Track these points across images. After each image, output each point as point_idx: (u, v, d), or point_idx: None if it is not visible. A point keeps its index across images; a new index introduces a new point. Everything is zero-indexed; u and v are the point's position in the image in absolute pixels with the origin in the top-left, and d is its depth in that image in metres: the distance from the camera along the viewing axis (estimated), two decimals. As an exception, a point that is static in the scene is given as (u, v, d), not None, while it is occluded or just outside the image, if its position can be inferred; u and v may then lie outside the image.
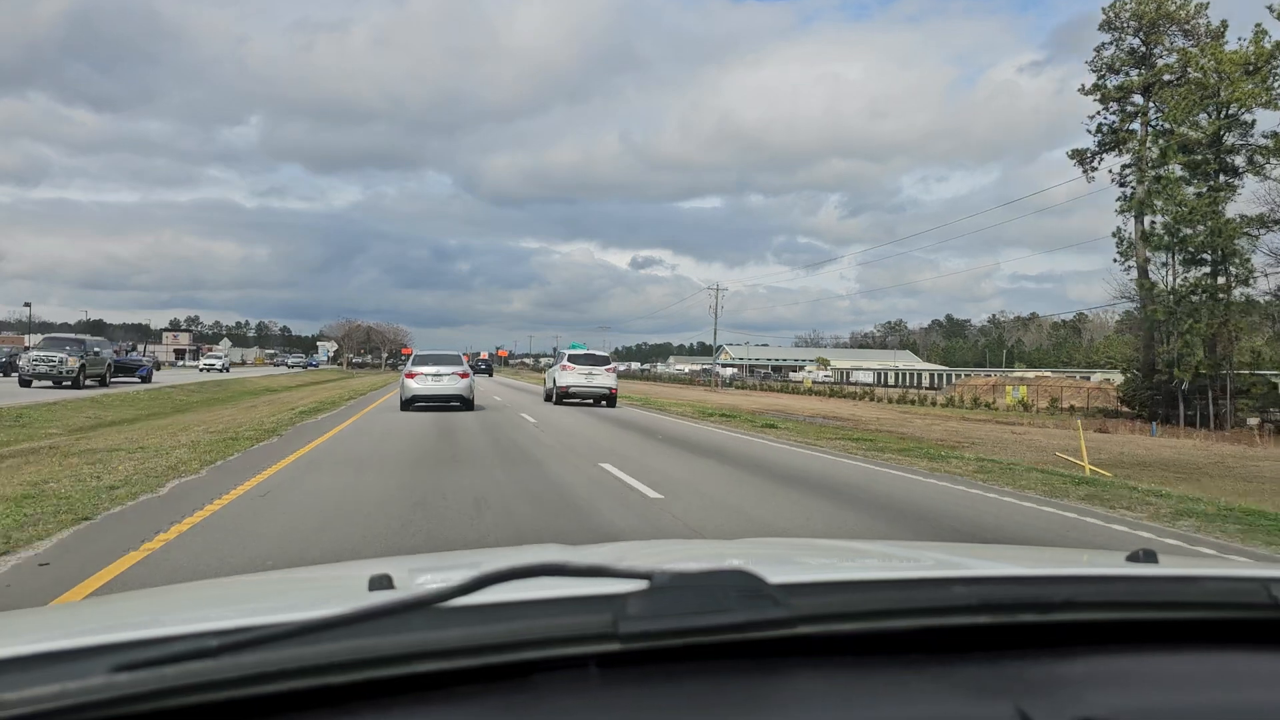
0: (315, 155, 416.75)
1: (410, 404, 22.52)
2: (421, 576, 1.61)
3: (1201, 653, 1.10)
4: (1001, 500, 10.09)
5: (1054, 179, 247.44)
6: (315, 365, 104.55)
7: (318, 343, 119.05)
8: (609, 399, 28.13)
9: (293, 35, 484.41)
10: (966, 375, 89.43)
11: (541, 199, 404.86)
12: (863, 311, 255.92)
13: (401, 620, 0.86)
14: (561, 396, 28.14)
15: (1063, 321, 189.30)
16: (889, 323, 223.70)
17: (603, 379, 28.01)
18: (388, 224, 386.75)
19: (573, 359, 29.25)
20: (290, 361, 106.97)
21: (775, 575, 0.96)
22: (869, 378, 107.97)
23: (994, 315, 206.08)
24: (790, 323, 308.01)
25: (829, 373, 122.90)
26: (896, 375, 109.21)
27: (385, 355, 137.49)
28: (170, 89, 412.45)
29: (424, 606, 0.87)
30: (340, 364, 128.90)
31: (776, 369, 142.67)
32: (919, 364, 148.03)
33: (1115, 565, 1.36)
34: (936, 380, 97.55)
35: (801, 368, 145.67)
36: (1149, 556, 1.33)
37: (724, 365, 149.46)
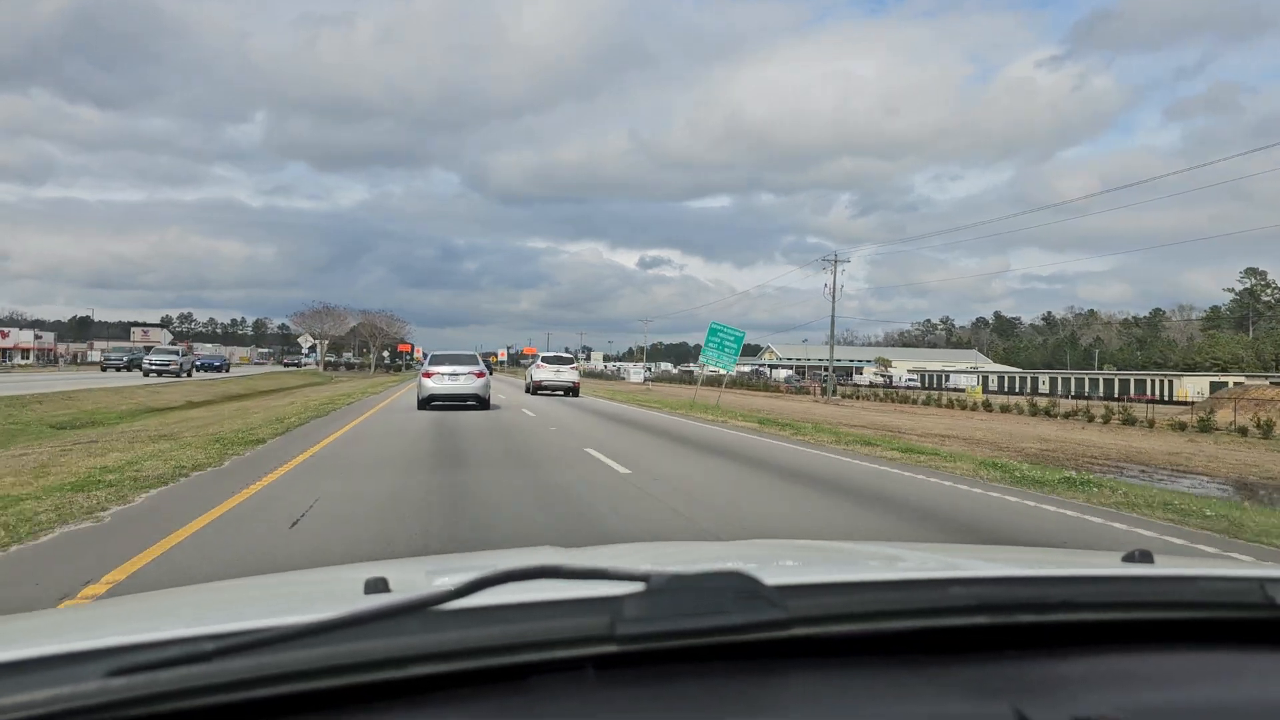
0: (321, 153, 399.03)
1: (427, 403, 22.45)
2: (418, 579, 1.59)
3: (1198, 652, 1.08)
4: None
5: (1069, 178, 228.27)
6: (220, 366, 57.69)
7: (298, 339, 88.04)
8: (573, 390, 34.33)
9: (296, 30, 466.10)
10: (1228, 387, 63.10)
11: (549, 198, 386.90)
12: (871, 311, 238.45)
13: (397, 623, 0.85)
14: (536, 388, 34.30)
15: (1133, 319, 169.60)
16: (926, 321, 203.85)
17: (568, 375, 34.47)
18: (394, 223, 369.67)
19: (545, 359, 36.19)
20: (153, 361, 45.53)
21: (772, 577, 0.95)
22: (968, 381, 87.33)
23: (1048, 312, 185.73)
24: (798, 322, 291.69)
25: (913, 375, 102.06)
26: (999, 379, 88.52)
27: (384, 353, 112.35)
28: (173, 86, 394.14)
29: (420, 609, 0.86)
30: (317, 364, 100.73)
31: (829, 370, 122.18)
32: (993, 365, 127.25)
33: (1112, 566, 1.33)
34: (1100, 388, 76.08)
35: (859, 369, 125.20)
36: (1145, 557, 1.31)
37: (770, 366, 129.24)
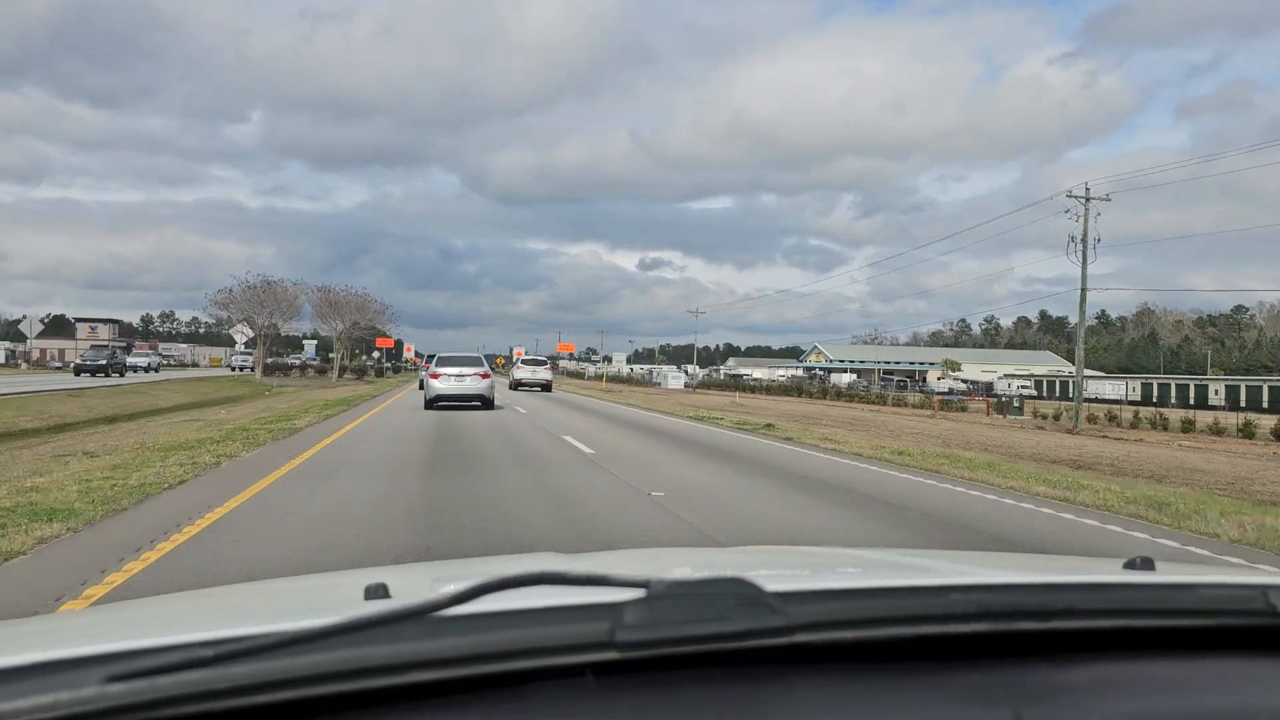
0: (319, 153, 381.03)
1: (434, 403, 22.38)
2: (417, 585, 1.57)
3: (1199, 659, 1.06)
4: None
5: (1077, 178, 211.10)
6: None
7: (231, 331, 57.72)
8: (546, 386, 39.53)
9: (294, 27, 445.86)
10: None
11: (549, 198, 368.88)
12: (873, 314, 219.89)
13: (396, 630, 0.82)
14: (517, 385, 39.26)
15: (1207, 318, 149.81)
16: (961, 321, 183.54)
17: (542, 374, 40.37)
18: (394, 224, 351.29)
19: (523, 361, 43.07)
20: None
21: (772, 583, 0.92)
22: (1111, 390, 67.02)
23: (1102, 310, 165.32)
24: (799, 325, 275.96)
25: (1027, 383, 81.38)
26: (1143, 388, 68.05)
27: (375, 354, 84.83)
28: (170, 84, 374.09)
29: (419, 616, 0.84)
30: (245, 368, 64.45)
31: (889, 373, 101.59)
32: (1082, 370, 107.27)
33: (1113, 573, 1.31)
34: None
35: (922, 372, 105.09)
36: (1146, 564, 1.30)
37: (826, 369, 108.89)
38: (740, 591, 0.88)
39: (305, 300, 59.83)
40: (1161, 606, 1.10)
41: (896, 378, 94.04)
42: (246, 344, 57.56)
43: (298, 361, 73.97)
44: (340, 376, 62.17)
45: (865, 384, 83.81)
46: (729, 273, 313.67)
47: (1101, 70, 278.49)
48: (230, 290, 54.92)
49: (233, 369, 69.94)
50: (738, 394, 55.62)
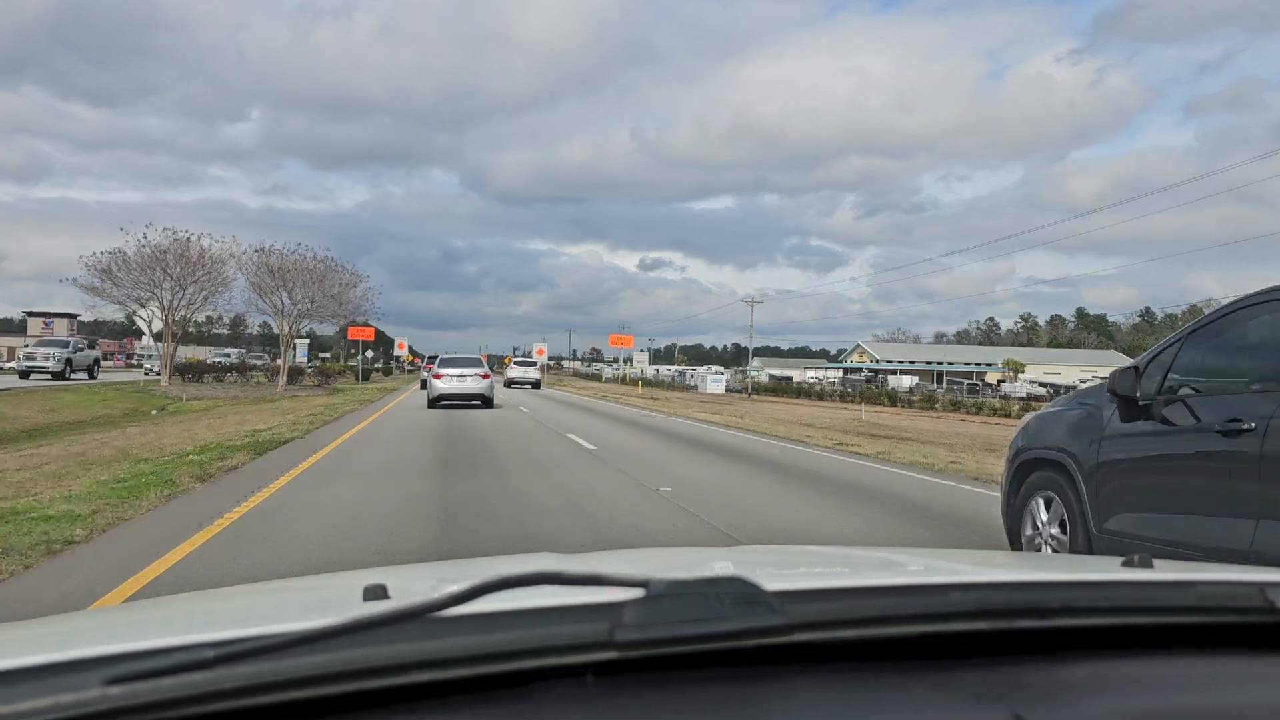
0: (319, 153, 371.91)
1: (436, 402, 22.94)
2: (418, 586, 1.58)
3: (1198, 656, 1.06)
4: None
5: (1082, 178, 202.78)
6: None
7: (134, 318, 40.44)
8: (535, 384, 43.95)
9: (293, 23, 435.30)
10: None
11: (550, 198, 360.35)
12: (874, 315, 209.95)
13: (396, 630, 0.81)
14: (510, 383, 43.17)
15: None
16: (990, 319, 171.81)
17: (533, 373, 45.47)
18: (395, 224, 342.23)
19: (516, 361, 49.74)
20: None
21: (772, 582, 0.91)
22: None
23: (1146, 308, 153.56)
24: (801, 326, 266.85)
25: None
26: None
27: (367, 353, 66.49)
28: (168, 82, 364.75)
29: (419, 616, 0.83)
30: (48, 369, 35.76)
31: (951, 376, 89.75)
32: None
33: (1111, 570, 1.31)
34: None
35: (981, 373, 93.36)
36: (1144, 561, 1.30)
37: (875, 370, 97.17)
38: (740, 591, 0.87)
39: (237, 268, 36.95)
40: (1160, 604, 1.09)
41: (967, 381, 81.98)
42: (157, 336, 37.32)
43: (227, 359, 52.90)
44: (292, 382, 39.73)
45: (930, 387, 72.04)
46: (730, 273, 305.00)
47: (1108, 68, 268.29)
48: (121, 253, 32.82)
49: (23, 375, 35.87)
50: (864, 407, 41.29)
